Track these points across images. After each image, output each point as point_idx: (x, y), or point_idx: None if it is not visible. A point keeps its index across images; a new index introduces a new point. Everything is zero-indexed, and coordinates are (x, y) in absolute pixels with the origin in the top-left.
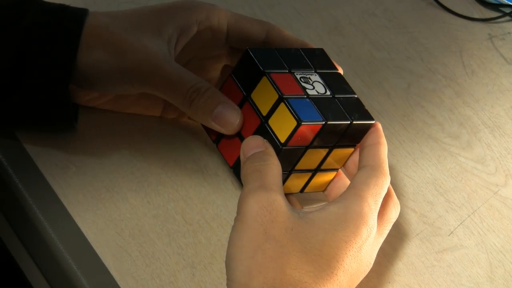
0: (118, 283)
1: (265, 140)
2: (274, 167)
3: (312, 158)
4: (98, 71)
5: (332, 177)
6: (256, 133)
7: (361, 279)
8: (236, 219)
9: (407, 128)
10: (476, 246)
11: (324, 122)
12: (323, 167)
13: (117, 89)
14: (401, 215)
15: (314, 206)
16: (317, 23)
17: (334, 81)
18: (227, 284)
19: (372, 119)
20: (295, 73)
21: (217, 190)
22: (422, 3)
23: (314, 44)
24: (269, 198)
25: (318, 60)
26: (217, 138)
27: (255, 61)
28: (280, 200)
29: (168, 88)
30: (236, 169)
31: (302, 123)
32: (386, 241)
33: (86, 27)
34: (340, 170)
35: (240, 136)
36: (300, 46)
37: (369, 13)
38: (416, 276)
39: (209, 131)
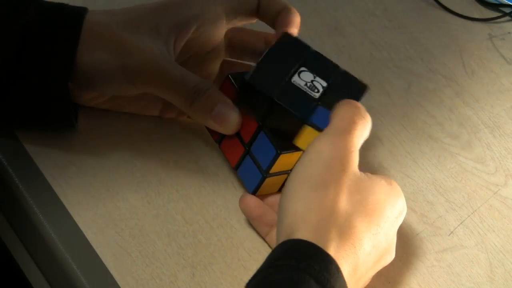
0: (118, 283)
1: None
2: (367, 128)
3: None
4: (99, 71)
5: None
6: (254, 136)
7: (389, 258)
8: (307, 154)
9: (407, 128)
10: (476, 246)
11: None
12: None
13: (118, 89)
14: None
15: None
16: (317, 23)
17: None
18: (281, 217)
19: (363, 87)
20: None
21: (217, 190)
22: (422, 3)
23: (314, 44)
24: (348, 153)
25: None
26: (220, 138)
27: (253, 86)
28: (355, 158)
29: (170, 89)
30: (239, 170)
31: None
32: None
33: (85, 25)
34: None
35: (239, 137)
36: (283, 8)
37: (369, 13)
38: (416, 276)
39: (211, 131)
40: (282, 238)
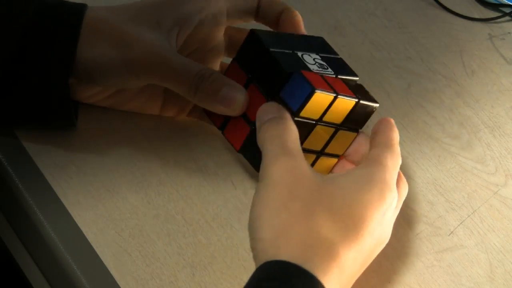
0: (118, 283)
1: (280, 105)
2: (292, 131)
3: (318, 137)
4: (100, 65)
5: (334, 163)
6: None
7: (381, 247)
8: (260, 183)
9: (407, 128)
10: (476, 246)
11: (335, 95)
12: (327, 150)
13: (120, 82)
14: (401, 215)
15: (336, 173)
16: (317, 23)
17: (336, 65)
18: (252, 244)
19: (376, 102)
20: (298, 53)
21: (217, 190)
22: (422, 3)
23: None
24: (292, 163)
25: (320, 46)
26: (223, 124)
27: (260, 40)
28: (303, 164)
29: (174, 78)
30: (244, 152)
31: (316, 90)
32: None
33: (85, 21)
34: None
35: (246, 118)
36: (283, 9)
37: (369, 13)
38: (416, 276)
39: (214, 118)
40: (263, 258)
